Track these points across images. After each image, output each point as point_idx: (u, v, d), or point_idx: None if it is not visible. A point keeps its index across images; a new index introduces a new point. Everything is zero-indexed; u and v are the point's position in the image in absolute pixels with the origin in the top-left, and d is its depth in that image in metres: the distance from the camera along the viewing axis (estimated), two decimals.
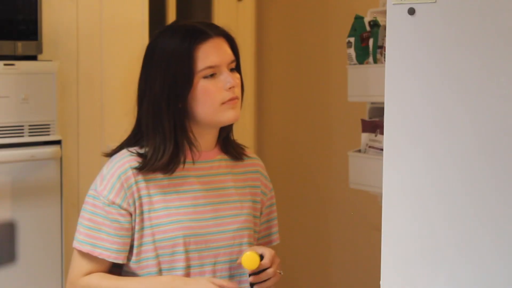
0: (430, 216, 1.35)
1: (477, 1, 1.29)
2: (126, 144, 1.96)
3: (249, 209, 2.01)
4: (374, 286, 1.45)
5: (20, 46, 2.55)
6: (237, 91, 1.93)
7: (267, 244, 2.08)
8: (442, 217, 1.34)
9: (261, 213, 2.06)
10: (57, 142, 2.64)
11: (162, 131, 1.89)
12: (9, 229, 2.57)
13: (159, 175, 1.91)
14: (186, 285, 1.85)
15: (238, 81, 1.94)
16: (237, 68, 1.97)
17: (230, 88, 1.90)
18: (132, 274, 1.91)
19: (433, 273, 1.34)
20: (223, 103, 1.90)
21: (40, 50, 2.60)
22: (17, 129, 2.56)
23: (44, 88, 2.61)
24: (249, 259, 1.87)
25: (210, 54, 1.89)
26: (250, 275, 1.90)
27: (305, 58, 3.46)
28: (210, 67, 1.89)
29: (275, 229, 2.10)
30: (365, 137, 2.51)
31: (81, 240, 1.89)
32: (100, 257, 1.87)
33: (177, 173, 1.92)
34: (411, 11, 1.34)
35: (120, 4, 2.93)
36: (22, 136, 2.57)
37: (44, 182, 2.62)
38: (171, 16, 3.35)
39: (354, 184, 2.55)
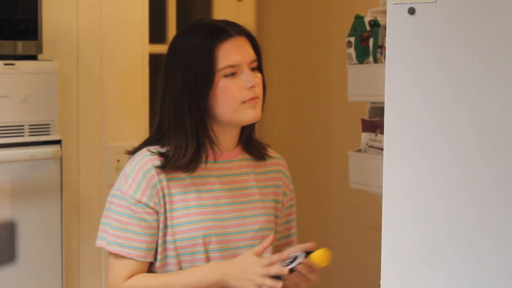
0: (430, 216, 1.35)
1: (477, 1, 1.29)
2: (148, 142, 1.96)
3: (271, 209, 2.00)
4: (374, 286, 1.45)
5: (20, 46, 2.55)
6: (258, 90, 1.92)
7: (286, 245, 2.07)
8: (442, 217, 1.34)
9: (281, 214, 2.05)
10: (57, 142, 2.64)
11: (184, 129, 1.89)
12: (9, 229, 2.57)
13: (180, 175, 1.90)
14: (234, 264, 1.84)
15: (259, 81, 1.93)
16: (259, 68, 1.97)
17: (250, 87, 1.89)
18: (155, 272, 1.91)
19: (433, 273, 1.34)
20: (243, 102, 1.89)
21: (40, 50, 2.60)
22: (17, 129, 2.56)
23: (44, 88, 2.61)
24: (324, 255, 1.83)
25: (231, 53, 1.89)
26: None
27: (305, 58, 3.46)
28: (231, 66, 1.88)
29: (294, 230, 2.09)
30: (365, 137, 2.51)
31: (110, 241, 1.88)
32: (128, 256, 1.87)
33: (199, 172, 1.92)
34: (411, 11, 1.34)
35: (120, 4, 2.93)
36: (22, 136, 2.57)
37: (44, 182, 2.62)
38: (171, 16, 3.36)
39: (354, 184, 2.55)
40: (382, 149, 1.94)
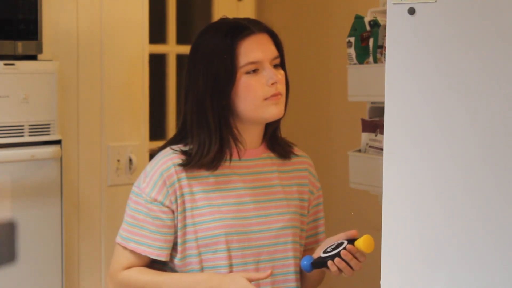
0: (430, 216, 1.35)
1: (477, 1, 1.29)
2: (171, 141, 1.96)
3: (296, 208, 2.00)
4: (374, 286, 1.45)
5: (20, 46, 2.55)
6: (281, 87, 1.92)
7: (314, 243, 2.06)
8: (442, 217, 1.34)
9: (308, 212, 2.05)
10: (57, 142, 2.64)
11: (207, 127, 1.89)
12: (9, 229, 2.57)
13: (203, 173, 1.90)
14: (222, 283, 1.84)
15: (282, 77, 1.94)
16: (281, 65, 1.97)
17: (272, 84, 1.89)
18: (176, 271, 1.92)
19: (433, 273, 1.34)
20: (265, 99, 1.89)
21: (40, 50, 2.60)
22: (17, 129, 2.56)
23: (44, 88, 2.61)
24: (368, 241, 1.83)
25: (252, 49, 1.89)
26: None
27: (305, 58, 3.46)
28: (252, 62, 1.88)
29: (321, 228, 2.08)
30: (365, 137, 2.51)
31: (125, 237, 1.90)
32: (143, 254, 1.88)
33: (222, 170, 1.92)
34: (411, 11, 1.34)
35: (120, 4, 2.93)
36: (22, 136, 2.57)
37: (44, 182, 2.62)
38: (171, 16, 3.36)
39: (354, 184, 2.54)
40: (382, 149, 1.94)
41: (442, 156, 1.33)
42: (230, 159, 1.92)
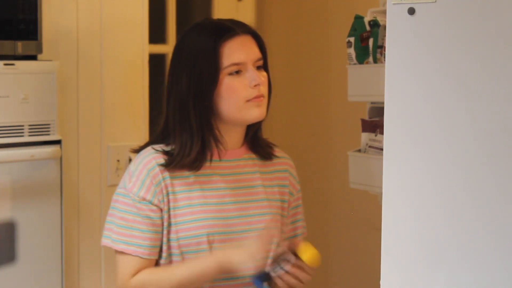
0: (430, 216, 1.35)
1: (477, 1, 1.29)
2: (153, 141, 1.96)
3: (277, 209, 2.00)
4: (374, 286, 1.45)
5: (20, 46, 2.55)
6: (263, 89, 1.92)
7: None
8: (442, 217, 1.34)
9: (287, 213, 2.05)
10: (57, 142, 2.63)
11: (189, 128, 1.89)
12: (9, 229, 2.57)
13: (185, 173, 1.91)
14: (236, 250, 1.85)
15: (265, 79, 1.94)
16: (264, 67, 1.97)
17: (255, 85, 1.89)
18: None
19: (433, 273, 1.34)
20: (248, 101, 1.90)
21: (40, 50, 2.60)
22: (17, 129, 2.56)
23: (44, 88, 2.61)
24: (315, 257, 1.84)
25: (236, 51, 1.89)
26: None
27: (305, 58, 3.46)
28: (236, 64, 1.89)
29: (300, 230, 2.08)
30: (365, 137, 2.51)
31: (115, 239, 1.89)
32: (133, 254, 1.87)
33: (203, 171, 1.92)
34: (411, 11, 1.34)
35: (120, 4, 2.93)
36: (22, 136, 2.57)
37: (44, 182, 2.62)
38: (171, 16, 3.36)
39: (354, 184, 2.55)
40: (382, 149, 1.94)
41: (442, 156, 1.33)
42: (211, 160, 1.92)
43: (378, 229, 1.40)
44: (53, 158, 2.62)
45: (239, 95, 1.89)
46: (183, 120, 1.90)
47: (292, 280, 1.85)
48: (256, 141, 2.01)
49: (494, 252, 1.29)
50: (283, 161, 2.07)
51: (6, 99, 2.53)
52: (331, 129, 3.36)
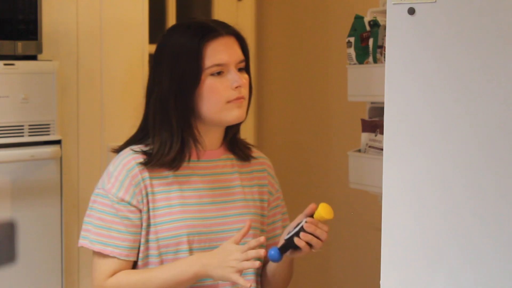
0: (430, 216, 1.35)
1: (477, 1, 1.29)
2: (132, 141, 1.96)
3: (256, 209, 2.00)
4: (374, 286, 1.45)
5: (20, 46, 2.55)
6: (244, 91, 1.92)
7: (272, 245, 2.06)
8: (442, 217, 1.34)
9: (267, 213, 2.05)
10: (57, 142, 2.64)
11: (169, 127, 1.89)
12: (9, 229, 2.57)
13: (164, 172, 1.91)
14: (213, 256, 1.83)
15: (246, 81, 1.94)
16: (246, 69, 1.97)
17: (236, 87, 1.90)
18: None
19: (433, 273, 1.34)
20: (228, 102, 1.90)
21: (40, 50, 2.60)
22: (17, 129, 2.56)
23: (44, 88, 2.61)
24: (326, 208, 1.84)
25: (218, 52, 1.89)
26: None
27: (305, 58, 3.46)
28: (218, 65, 1.89)
29: (279, 231, 2.07)
30: (365, 137, 2.51)
31: (93, 240, 1.88)
32: (111, 255, 1.87)
33: (182, 171, 1.92)
34: (411, 11, 1.34)
35: (120, 4, 2.93)
36: (22, 136, 2.57)
37: (44, 182, 2.62)
38: (171, 16, 3.36)
39: (354, 184, 2.54)
40: (382, 149, 1.94)
41: (442, 156, 1.33)
42: (189, 160, 1.92)
43: (378, 229, 1.40)
44: (53, 158, 2.62)
45: (220, 96, 1.89)
46: (164, 119, 1.90)
47: (308, 237, 1.84)
48: (235, 142, 2.02)
49: (494, 252, 1.29)
50: (261, 161, 2.08)
51: (6, 99, 2.53)
52: (331, 129, 3.36)
